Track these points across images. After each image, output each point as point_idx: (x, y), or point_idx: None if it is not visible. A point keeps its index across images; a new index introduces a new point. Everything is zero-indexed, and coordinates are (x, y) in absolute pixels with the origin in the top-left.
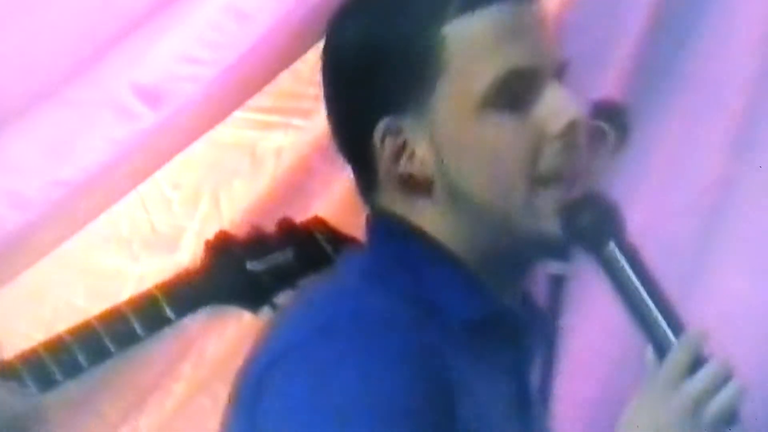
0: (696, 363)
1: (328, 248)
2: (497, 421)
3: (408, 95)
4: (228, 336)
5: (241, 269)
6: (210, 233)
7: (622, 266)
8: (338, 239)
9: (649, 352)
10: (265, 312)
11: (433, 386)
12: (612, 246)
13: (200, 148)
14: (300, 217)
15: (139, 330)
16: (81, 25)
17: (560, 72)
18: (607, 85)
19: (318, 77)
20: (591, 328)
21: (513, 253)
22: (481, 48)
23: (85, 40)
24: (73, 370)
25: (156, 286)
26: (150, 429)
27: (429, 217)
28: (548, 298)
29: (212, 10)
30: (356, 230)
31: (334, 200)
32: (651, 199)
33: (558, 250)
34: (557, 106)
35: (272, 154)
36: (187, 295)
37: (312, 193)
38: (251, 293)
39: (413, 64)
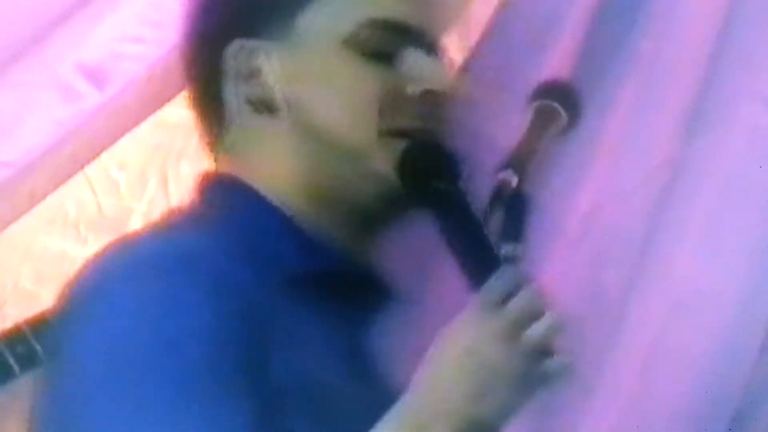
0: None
1: None
2: (327, 379)
3: (276, 17)
4: None
5: None
6: (158, 215)
7: (443, 208)
8: None
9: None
10: None
11: (235, 325)
12: (435, 187)
13: (147, 128)
14: None
15: None
16: (23, 6)
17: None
18: (554, 65)
19: None
20: None
21: (354, 198)
22: None
23: (28, 21)
24: (30, 362)
25: None
26: None
27: (273, 150)
28: None
29: None
30: None
31: None
32: (599, 180)
33: (397, 204)
34: (422, 71)
35: None
36: None
37: None
38: None
39: None
